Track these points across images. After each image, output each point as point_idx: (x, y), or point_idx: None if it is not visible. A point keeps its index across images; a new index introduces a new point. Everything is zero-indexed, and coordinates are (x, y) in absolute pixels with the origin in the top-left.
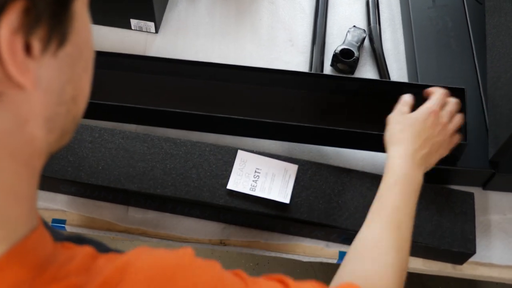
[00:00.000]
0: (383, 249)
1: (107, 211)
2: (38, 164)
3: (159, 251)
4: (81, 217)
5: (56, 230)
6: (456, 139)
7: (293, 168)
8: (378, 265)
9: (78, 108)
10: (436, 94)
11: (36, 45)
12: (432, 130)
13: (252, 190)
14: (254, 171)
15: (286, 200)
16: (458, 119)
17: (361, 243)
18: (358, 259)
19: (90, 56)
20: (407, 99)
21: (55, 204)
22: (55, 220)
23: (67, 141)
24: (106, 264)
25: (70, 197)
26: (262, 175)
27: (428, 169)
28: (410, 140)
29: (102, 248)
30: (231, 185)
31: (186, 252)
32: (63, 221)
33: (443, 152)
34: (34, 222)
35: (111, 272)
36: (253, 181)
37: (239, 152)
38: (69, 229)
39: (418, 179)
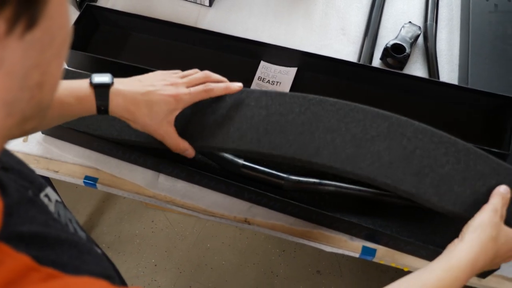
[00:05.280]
0: None
1: (139, 175)
2: None
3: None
4: (112, 177)
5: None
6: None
7: None
8: None
9: (44, 95)
10: None
11: (0, 25)
12: (507, 259)
13: None
14: None
15: None
16: None
17: None
18: None
19: (64, 43)
20: (507, 196)
21: (89, 161)
22: (87, 177)
23: (32, 127)
24: (36, 282)
25: (105, 156)
26: None
27: None
28: (490, 255)
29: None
30: None
31: None
32: (95, 179)
33: None
34: None
35: None
36: None
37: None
38: (100, 187)
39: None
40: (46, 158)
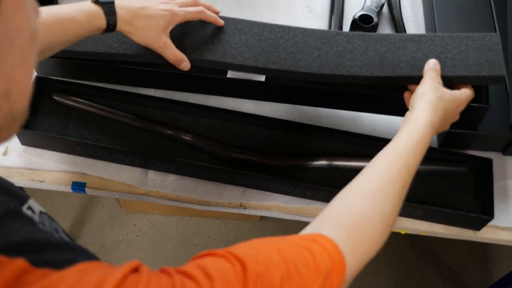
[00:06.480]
0: (381, 202)
1: (127, 174)
2: None
3: (92, 273)
4: (101, 180)
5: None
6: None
7: None
8: (372, 215)
9: (14, 103)
10: (469, 88)
11: None
12: (456, 116)
13: None
14: None
15: None
16: None
17: (363, 185)
18: (352, 200)
19: (27, 46)
20: (438, 67)
21: (75, 167)
22: (75, 183)
23: (8, 137)
24: (33, 283)
25: (90, 159)
26: None
27: None
28: (440, 114)
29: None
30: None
31: (115, 276)
32: (83, 184)
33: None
34: None
35: None
36: None
37: None
38: (89, 192)
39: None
40: (30, 169)
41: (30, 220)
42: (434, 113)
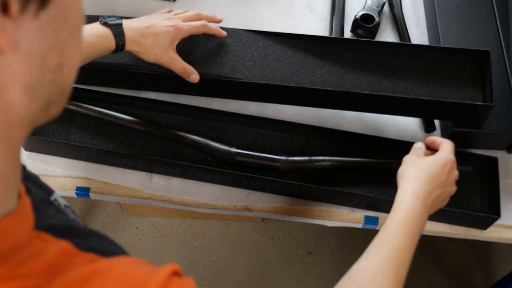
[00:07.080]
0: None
1: (131, 178)
2: (17, 135)
3: (138, 266)
4: (105, 184)
5: (57, 214)
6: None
7: None
8: None
9: (65, 78)
10: (448, 144)
11: (13, 4)
12: (447, 177)
13: None
14: None
15: None
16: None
17: (357, 275)
18: None
19: (79, 21)
20: (421, 146)
21: (79, 172)
22: (79, 188)
23: (55, 113)
24: (81, 265)
25: (93, 164)
26: None
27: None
28: (425, 180)
29: (100, 245)
30: None
31: (163, 272)
32: (87, 189)
33: (444, 203)
34: (10, 205)
35: (74, 279)
36: None
37: None
38: (93, 196)
39: (424, 222)
40: None
41: (60, 210)
42: (415, 184)
